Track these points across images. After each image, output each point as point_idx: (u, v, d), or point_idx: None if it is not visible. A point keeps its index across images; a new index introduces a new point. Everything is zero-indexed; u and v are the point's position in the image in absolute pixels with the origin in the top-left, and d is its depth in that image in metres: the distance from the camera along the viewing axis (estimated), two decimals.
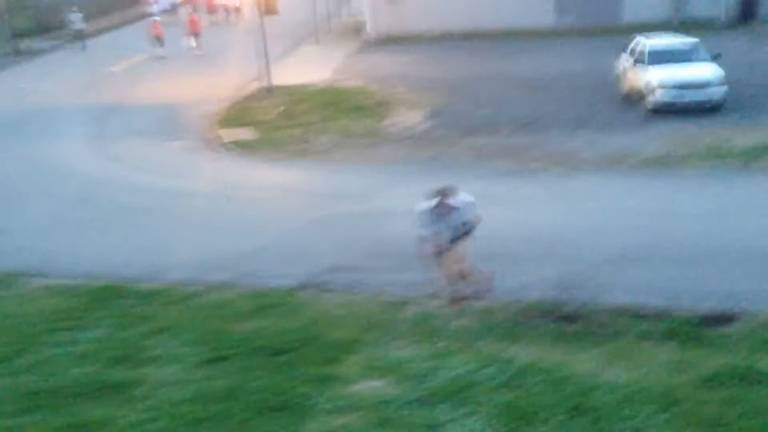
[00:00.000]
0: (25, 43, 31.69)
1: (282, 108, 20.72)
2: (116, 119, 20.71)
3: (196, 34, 28.98)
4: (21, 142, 18.58)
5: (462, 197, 8.76)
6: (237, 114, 20.52)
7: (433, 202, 8.54)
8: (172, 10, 34.44)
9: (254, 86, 23.16)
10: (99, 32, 35.32)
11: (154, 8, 34.68)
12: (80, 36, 31.18)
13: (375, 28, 28.86)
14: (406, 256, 10.29)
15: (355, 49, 28.06)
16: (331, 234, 11.54)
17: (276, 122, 19.72)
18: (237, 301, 9.09)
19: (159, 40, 28.44)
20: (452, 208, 8.55)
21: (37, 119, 20.64)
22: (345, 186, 14.24)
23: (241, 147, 17.77)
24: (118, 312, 8.92)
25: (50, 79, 26.31)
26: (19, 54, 30.54)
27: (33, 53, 31.03)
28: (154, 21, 28.97)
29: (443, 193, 8.57)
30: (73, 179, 15.56)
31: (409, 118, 18.92)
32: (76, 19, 31.33)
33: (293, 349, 7.19)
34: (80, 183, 15.27)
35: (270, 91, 22.31)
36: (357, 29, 30.99)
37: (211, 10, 36.74)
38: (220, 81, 24.23)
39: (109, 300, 9.38)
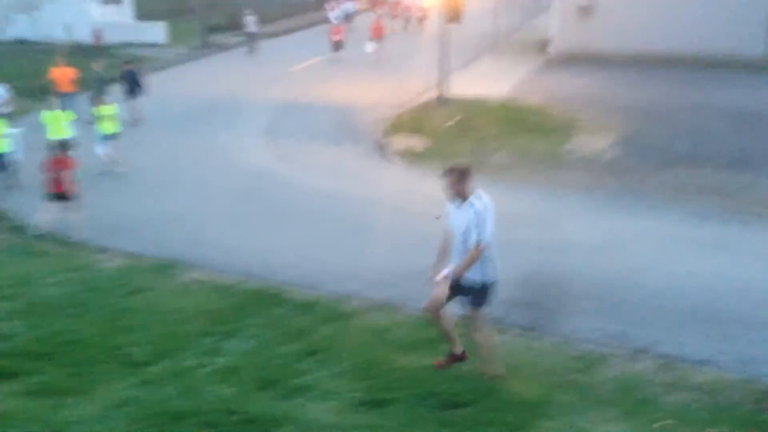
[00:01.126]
0: (214, 38, 32.59)
1: (456, 120, 19.60)
2: (290, 117, 20.42)
3: (378, 40, 28.54)
4: (197, 131, 18.60)
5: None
6: (409, 122, 19.60)
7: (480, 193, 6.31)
8: (346, 18, 34.22)
9: (429, 95, 22.22)
10: (279, 34, 35.89)
11: (331, 15, 34.72)
12: (251, 39, 30.92)
13: (561, 44, 27.14)
14: (599, 298, 8.80)
15: (538, 65, 26.49)
16: (508, 262, 10.14)
17: (448, 134, 18.60)
18: (401, 327, 7.92)
19: (338, 43, 28.27)
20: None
21: (215, 110, 20.71)
22: (523, 209, 12.80)
23: (411, 156, 16.80)
24: (269, 321, 8.00)
25: (231, 74, 26.70)
26: (207, 47, 31.41)
27: (220, 48, 31.84)
28: (335, 25, 28.80)
29: (447, 175, 6.29)
30: (242, 173, 15.18)
31: (594, 144, 17.18)
32: (249, 23, 31.23)
33: (468, 402, 5.90)
34: (248, 177, 14.84)
35: (445, 101, 21.26)
36: (540, 45, 29.38)
37: (395, 16, 36.44)
38: (395, 87, 23.50)
39: (262, 305, 8.50)
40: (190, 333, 7.38)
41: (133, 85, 19.10)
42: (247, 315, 8.13)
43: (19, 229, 11.81)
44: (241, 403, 5.50)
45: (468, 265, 6.27)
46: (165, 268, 9.84)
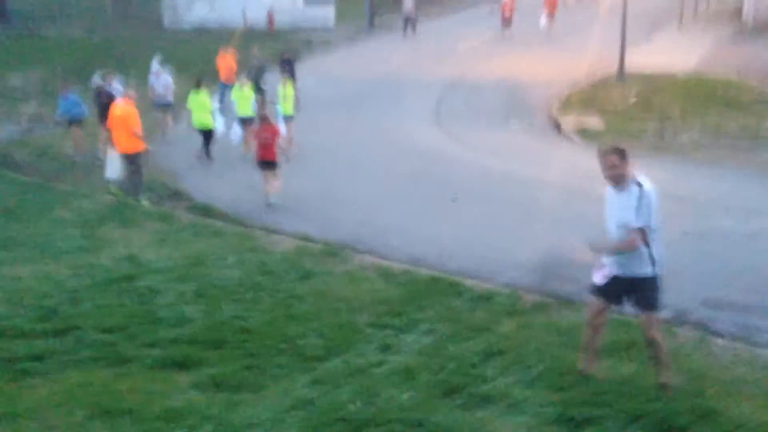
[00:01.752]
0: (381, 19, 32.42)
1: (636, 97, 18.06)
2: (458, 96, 19.74)
3: (552, 14, 27.10)
4: (365, 112, 18.34)
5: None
6: (584, 100, 18.32)
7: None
8: None
9: (607, 70, 20.69)
10: (446, 12, 35.08)
11: None
12: (408, 22, 29.28)
13: (755, 11, 24.44)
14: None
15: (728, 36, 24.03)
16: (710, 255, 8.94)
17: (629, 112, 17.19)
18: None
19: (508, 20, 27.12)
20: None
21: (382, 91, 20.39)
22: (722, 195, 11.38)
23: (588, 135, 15.59)
24: (446, 314, 7.39)
25: (398, 54, 26.34)
26: (373, 27, 31.30)
27: (387, 28, 31.62)
28: (506, 1, 27.60)
29: (609, 156, 5.51)
30: (412, 154, 14.68)
31: None
32: (406, 4, 29.63)
33: (685, 426, 4.97)
34: (418, 158, 14.32)
35: (623, 77, 19.69)
36: (731, 14, 26.70)
37: None
38: (569, 63, 22.12)
39: (436, 296, 7.90)
40: (363, 325, 6.92)
41: (290, 74, 18.87)
42: (421, 306, 7.57)
43: (198, 208, 11.96)
44: (424, 411, 4.90)
45: (624, 248, 5.54)
46: (335, 252, 9.47)
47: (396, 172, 13.48)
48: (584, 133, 15.74)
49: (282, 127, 14.93)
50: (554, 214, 10.73)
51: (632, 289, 5.57)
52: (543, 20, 27.04)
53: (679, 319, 7.31)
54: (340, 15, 32.31)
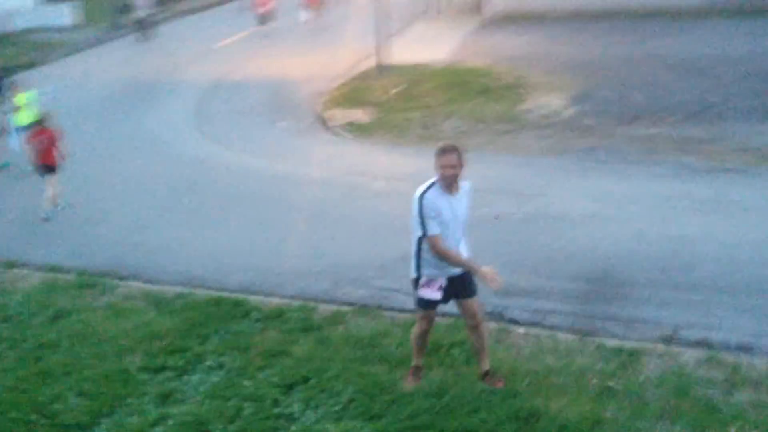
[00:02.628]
0: (130, 18, 29.98)
1: (397, 89, 18.13)
2: (221, 97, 18.53)
3: (313, 7, 26.64)
4: (119, 119, 16.58)
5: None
6: (349, 94, 18.00)
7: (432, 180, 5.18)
8: None
9: (367, 64, 20.64)
10: (196, 10, 33.45)
11: None
12: (142, 24, 26.30)
13: (495, 5, 25.87)
14: (603, 277, 7.54)
15: (474, 27, 25.13)
16: (494, 242, 8.83)
17: (393, 104, 17.11)
18: (391, 335, 6.48)
19: (265, 15, 26.26)
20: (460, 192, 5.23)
21: (136, 95, 18.65)
22: (491, 180, 11.45)
23: (356, 130, 15.27)
24: (233, 341, 6.45)
25: (150, 55, 24.46)
26: (121, 27, 28.85)
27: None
28: None
29: (449, 155, 5.05)
30: (175, 162, 13.36)
31: (548, 103, 15.97)
32: (138, 5, 26.54)
33: None
34: (182, 166, 13.05)
35: (384, 69, 19.71)
36: (473, 7, 28.04)
37: None
38: (330, 59, 21.80)
39: (219, 321, 6.92)
40: (135, 370, 5.77)
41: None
42: (203, 336, 6.55)
43: None
44: None
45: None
46: (92, 282, 8.10)
47: (158, 183, 12.15)
48: (351, 128, 15.39)
49: (16, 141, 12.97)
50: (332, 213, 10.16)
51: (461, 283, 5.28)
52: (303, 14, 26.57)
53: None
54: (88, 15, 29.46)
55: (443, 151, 5.06)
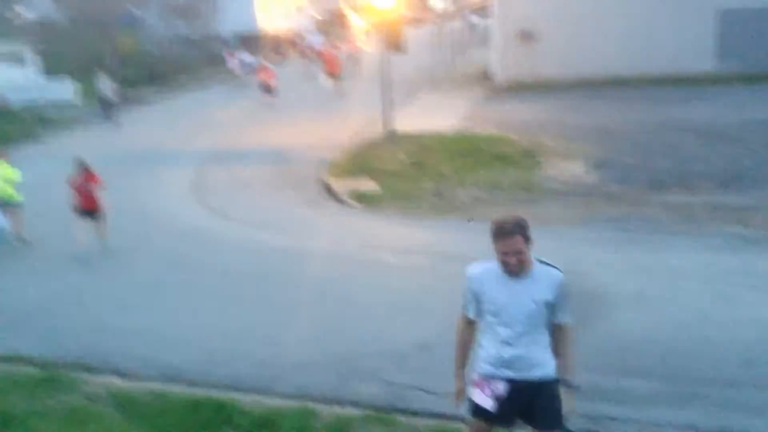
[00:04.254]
0: (131, 93, 29.40)
1: (407, 157, 16.98)
2: (220, 167, 17.42)
3: (334, 75, 26.10)
4: (114, 191, 15.36)
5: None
6: (357, 163, 16.85)
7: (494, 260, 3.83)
8: (252, 70, 31.22)
9: (373, 132, 19.60)
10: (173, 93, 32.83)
11: (233, 65, 31.97)
12: (108, 108, 23.52)
13: (504, 73, 25.04)
14: (680, 375, 6.05)
15: (482, 96, 24.24)
16: None
17: (402, 173, 15.92)
18: None
19: (269, 88, 25.51)
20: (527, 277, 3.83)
21: (133, 167, 17.52)
22: None
23: (365, 200, 14.00)
24: None
25: (151, 126, 23.59)
26: (122, 103, 28.20)
27: (139, 102, 28.71)
28: (263, 66, 26.03)
29: (509, 239, 3.73)
30: (168, 234, 12.08)
31: (568, 170, 14.74)
32: (105, 88, 23.78)
33: None
34: (177, 239, 11.76)
35: (393, 138, 18.64)
36: (479, 77, 27.30)
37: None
38: (337, 128, 20.82)
39: (203, 429, 5.46)
40: None
41: None
42: None
43: None
44: None
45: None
46: (55, 377, 6.66)
47: (148, 259, 10.83)
48: (360, 197, 14.14)
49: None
50: (340, 292, 8.76)
51: (531, 399, 3.84)
52: (322, 78, 26.19)
53: None
54: (89, 92, 28.80)
55: (501, 234, 3.76)
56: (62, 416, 5.88)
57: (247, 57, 33.20)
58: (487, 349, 3.93)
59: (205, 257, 10.64)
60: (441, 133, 18.88)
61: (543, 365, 3.86)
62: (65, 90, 27.82)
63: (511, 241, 3.74)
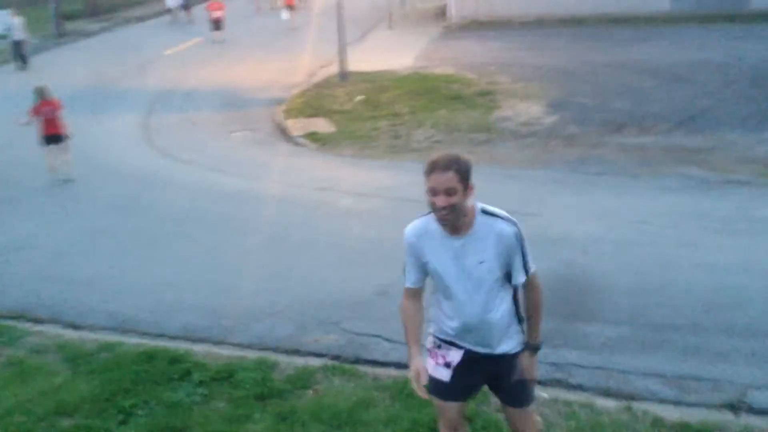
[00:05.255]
0: (72, 26, 28.02)
1: (362, 96, 16.57)
2: (170, 107, 16.74)
3: (291, 7, 25.37)
4: None
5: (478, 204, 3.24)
6: (310, 102, 16.39)
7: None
8: (186, 6, 29.95)
9: (327, 72, 19.08)
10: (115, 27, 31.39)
11: (169, 2, 30.04)
12: (18, 48, 21.66)
13: (459, 11, 24.52)
14: (641, 320, 5.99)
15: (437, 34, 23.74)
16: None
17: (357, 113, 15.55)
18: (383, 400, 4.85)
19: (218, 23, 24.55)
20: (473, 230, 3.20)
21: (82, 103, 16.69)
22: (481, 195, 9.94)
23: (319, 140, 13.66)
24: (165, 418, 4.75)
25: (94, 62, 22.51)
26: (63, 36, 26.83)
27: (80, 35, 27.35)
28: (214, 1, 25.00)
29: (440, 173, 3.03)
30: (118, 177, 11.58)
31: (525, 111, 14.56)
32: (13, 26, 21.65)
33: None
34: (125, 182, 11.28)
35: (345, 77, 18.15)
36: (435, 14, 26.72)
37: None
38: (288, 66, 20.21)
39: (150, 386, 5.19)
40: None
41: None
42: (125, 411, 4.83)
43: None
44: None
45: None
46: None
47: (92, 202, 10.36)
48: (314, 138, 13.76)
49: None
50: (295, 236, 8.50)
51: (499, 374, 3.38)
52: (284, 14, 25.48)
53: None
54: (27, 23, 27.29)
55: (432, 168, 3.02)
56: (6, 370, 5.56)
57: None
58: (437, 323, 3.39)
59: (155, 201, 10.23)
60: (396, 72, 18.46)
61: (504, 339, 3.27)
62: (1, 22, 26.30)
63: (442, 177, 2.98)
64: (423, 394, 3.24)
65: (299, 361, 5.62)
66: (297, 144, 13.62)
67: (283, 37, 24.90)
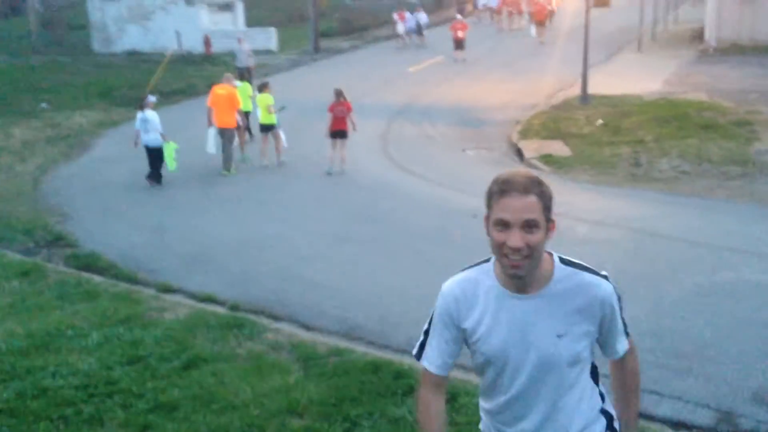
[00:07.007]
0: (325, 43, 30.09)
1: (603, 120, 15.80)
2: (409, 121, 17.22)
3: (540, 23, 25.50)
4: (304, 138, 15.67)
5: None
6: (547, 125, 15.97)
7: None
8: (418, 30, 29.91)
9: (566, 94, 18.50)
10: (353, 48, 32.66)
11: (400, 28, 29.59)
12: (244, 76, 19.49)
13: (718, 33, 22.61)
14: None
15: (691, 58, 22.11)
16: (741, 321, 6.43)
17: (596, 137, 14.86)
18: None
19: (460, 41, 24.93)
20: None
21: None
22: (726, 235, 8.94)
23: (554, 164, 13.21)
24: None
25: (346, 76, 23.85)
26: (318, 52, 28.89)
27: (333, 52, 29.27)
28: (456, 20, 25.45)
29: (516, 198, 2.16)
30: (354, 187, 12.08)
31: None
32: (238, 51, 21.27)
33: None
34: (362, 192, 11.73)
35: (586, 100, 17.46)
36: (690, 37, 24.93)
37: (512, 13, 32.64)
38: (527, 87, 19.91)
39: (375, 397, 5.20)
40: None
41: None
42: (351, 420, 4.87)
43: (78, 258, 9.07)
44: None
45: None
46: (241, 321, 6.73)
47: (335, 208, 10.87)
48: (549, 160, 13.35)
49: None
50: None
51: None
52: (534, 30, 25.61)
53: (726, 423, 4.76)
54: (286, 40, 29.85)
55: (506, 190, 2.18)
56: (246, 363, 5.89)
57: (422, 17, 30.08)
58: (485, 422, 2.53)
59: (388, 212, 10.48)
60: (642, 97, 17.41)
61: None
62: (268, 39, 28.93)
63: (520, 203, 2.14)
64: None
65: None
66: (530, 166, 13.28)
67: (523, 58, 24.66)
